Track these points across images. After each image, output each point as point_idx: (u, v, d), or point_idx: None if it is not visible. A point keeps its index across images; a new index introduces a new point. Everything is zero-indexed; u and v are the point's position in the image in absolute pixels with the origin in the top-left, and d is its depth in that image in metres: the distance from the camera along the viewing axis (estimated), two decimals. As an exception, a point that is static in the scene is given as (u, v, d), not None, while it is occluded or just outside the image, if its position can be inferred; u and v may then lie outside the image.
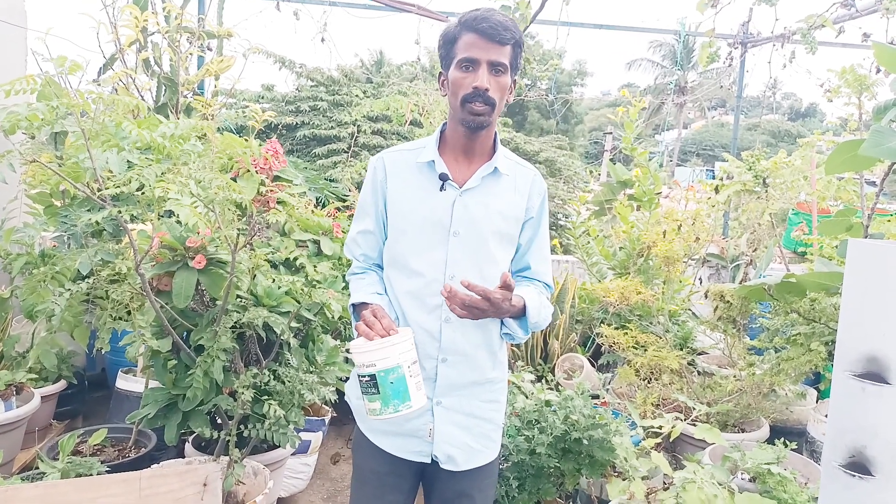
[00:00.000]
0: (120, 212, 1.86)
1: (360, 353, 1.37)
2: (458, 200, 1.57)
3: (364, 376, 1.36)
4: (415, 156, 1.62)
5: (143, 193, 1.89)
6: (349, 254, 1.72)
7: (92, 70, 4.06)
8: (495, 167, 1.60)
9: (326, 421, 3.37)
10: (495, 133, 1.64)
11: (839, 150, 2.38)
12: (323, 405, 3.16)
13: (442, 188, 1.57)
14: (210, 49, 4.29)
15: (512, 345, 3.77)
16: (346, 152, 6.76)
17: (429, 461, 1.61)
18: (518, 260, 1.72)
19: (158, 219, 2.25)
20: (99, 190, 1.92)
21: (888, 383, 1.27)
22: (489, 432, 1.66)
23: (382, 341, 1.35)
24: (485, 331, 1.61)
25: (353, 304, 1.61)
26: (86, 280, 2.06)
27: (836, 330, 2.82)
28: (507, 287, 1.44)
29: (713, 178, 4.77)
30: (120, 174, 1.91)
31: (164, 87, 3.88)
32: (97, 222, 2.31)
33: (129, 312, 2.21)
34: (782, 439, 2.48)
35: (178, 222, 2.38)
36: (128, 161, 2.07)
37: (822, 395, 3.80)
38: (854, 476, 1.31)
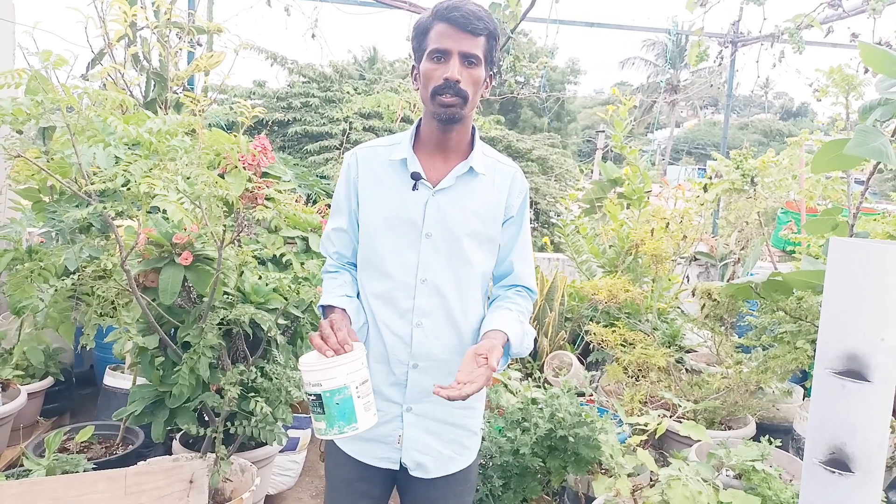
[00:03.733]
0: (105, 208, 1.85)
1: (306, 371, 1.31)
2: (430, 200, 1.51)
3: (310, 395, 1.31)
4: (388, 152, 1.56)
5: (128, 189, 1.88)
6: (324, 251, 1.67)
7: (80, 65, 4.04)
8: (471, 167, 1.53)
9: (315, 418, 3.36)
10: (473, 129, 1.58)
11: (825, 150, 2.40)
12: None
13: (414, 187, 1.51)
14: (200, 44, 4.27)
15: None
16: (337, 149, 6.75)
17: (397, 468, 1.57)
18: (500, 262, 1.65)
19: (146, 215, 2.24)
20: (85, 186, 1.91)
21: (867, 381, 1.29)
22: (462, 438, 1.60)
23: (330, 361, 1.30)
24: (459, 336, 1.55)
25: (322, 306, 1.56)
26: (71, 276, 2.05)
27: (821, 328, 2.84)
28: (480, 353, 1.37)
29: (703, 177, 4.80)
30: (107, 170, 1.90)
31: (153, 83, 3.86)
32: (84, 218, 2.30)
33: (114, 309, 2.20)
34: (768, 437, 2.50)
35: (165, 218, 2.38)
36: (115, 157, 2.06)
37: (809, 392, 3.83)
38: (834, 472, 1.32)
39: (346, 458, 1.60)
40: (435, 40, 1.44)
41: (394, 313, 1.53)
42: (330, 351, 1.31)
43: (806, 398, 3.68)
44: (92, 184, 1.86)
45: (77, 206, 2.47)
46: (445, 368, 1.53)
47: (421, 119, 1.59)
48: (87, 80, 3.76)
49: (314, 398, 1.31)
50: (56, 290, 1.95)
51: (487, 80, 1.52)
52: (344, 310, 1.50)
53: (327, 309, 1.53)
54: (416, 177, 1.51)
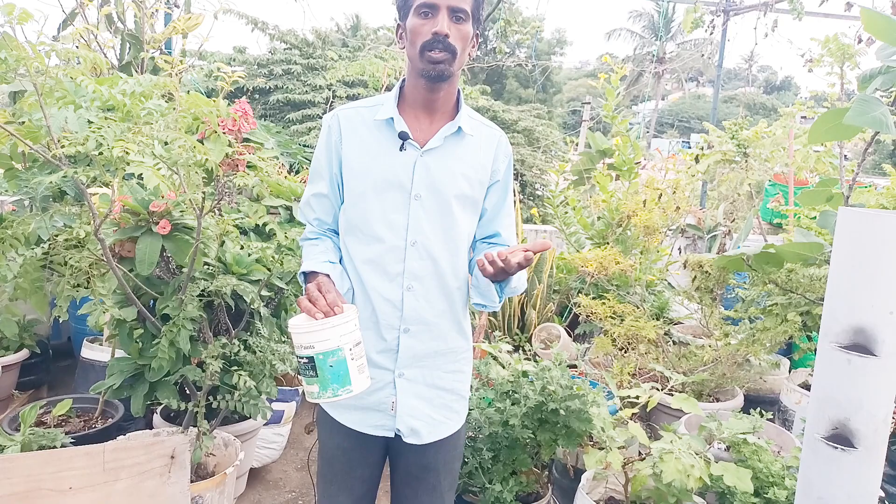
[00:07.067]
0: (76, 173, 1.75)
1: (298, 333, 1.26)
2: (419, 161, 1.47)
3: (302, 358, 1.27)
4: (372, 113, 1.51)
5: (101, 154, 1.77)
6: (302, 218, 1.63)
7: (51, 27, 3.87)
8: (459, 126, 1.50)
9: (300, 391, 3.32)
10: (458, 91, 1.54)
11: (823, 119, 2.34)
12: (296, 375, 3.10)
13: (402, 148, 1.47)
14: (177, 6, 4.10)
15: (489, 314, 3.74)
16: (320, 118, 6.61)
17: (392, 435, 1.55)
18: (485, 226, 1.63)
19: (121, 181, 2.14)
20: (55, 150, 1.80)
21: (874, 355, 1.25)
22: (451, 403, 1.60)
23: (323, 322, 1.25)
24: (449, 298, 1.53)
25: (303, 273, 1.51)
26: (42, 245, 1.95)
27: (812, 301, 2.82)
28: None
29: (689, 149, 4.75)
30: (78, 133, 1.80)
31: (128, 45, 3.70)
32: (56, 185, 2.19)
33: (89, 280, 2.11)
34: (758, 409, 2.49)
35: (141, 185, 2.28)
36: (88, 121, 1.95)
37: (795, 364, 3.85)
38: (837, 448, 1.29)
39: (340, 428, 1.57)
40: None
41: (383, 278, 1.49)
42: (319, 313, 1.27)
43: (792, 370, 3.69)
44: (62, 147, 1.76)
45: (50, 172, 2.36)
46: (436, 331, 1.53)
47: (405, 79, 1.53)
48: (59, 41, 3.59)
49: (306, 361, 1.26)
50: (25, 260, 1.86)
51: (474, 38, 1.49)
52: (328, 275, 1.45)
53: (310, 275, 1.48)
54: (403, 136, 1.47)
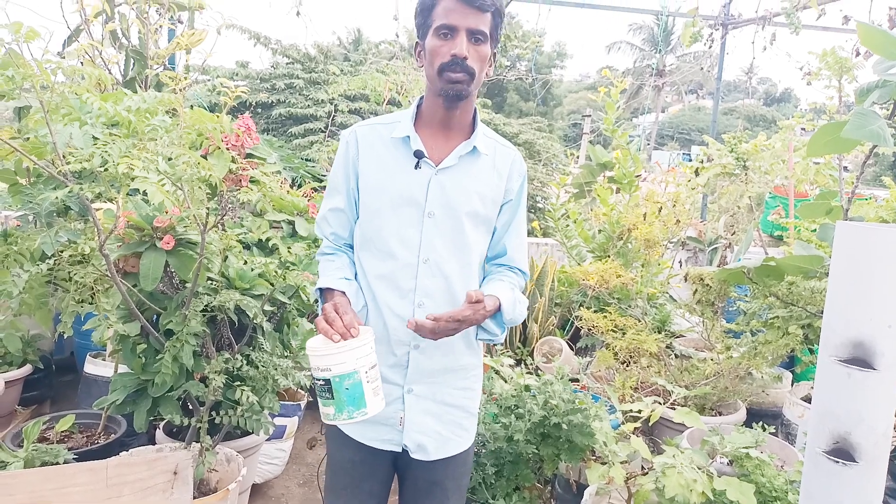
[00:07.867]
0: (82, 189, 1.77)
1: (315, 356, 1.29)
2: (433, 179, 1.50)
3: (319, 380, 1.29)
4: (389, 130, 1.54)
5: (106, 170, 1.79)
6: (319, 232, 1.65)
7: (56, 43, 3.91)
8: (474, 146, 1.52)
9: (302, 406, 3.31)
10: (475, 110, 1.57)
11: (821, 132, 2.36)
12: (299, 390, 3.10)
13: (417, 166, 1.49)
14: (181, 22, 4.15)
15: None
16: (322, 132, 6.64)
17: (399, 450, 1.56)
18: (494, 244, 1.65)
19: (126, 197, 2.15)
20: (61, 166, 1.82)
21: (874, 369, 1.25)
22: (461, 420, 1.60)
23: (340, 345, 1.27)
24: None
25: (319, 289, 1.54)
26: (47, 261, 1.96)
27: (813, 313, 2.82)
28: (476, 302, 1.40)
29: (690, 161, 4.76)
30: (83, 149, 1.81)
31: (132, 61, 3.74)
32: (61, 200, 2.21)
33: (93, 295, 2.12)
34: (760, 423, 2.48)
35: (146, 201, 2.29)
36: (93, 137, 1.97)
37: (797, 378, 3.84)
38: (838, 462, 1.29)
39: (349, 441, 1.58)
40: (442, 16, 1.42)
41: (395, 294, 1.51)
42: (336, 335, 1.29)
43: (795, 383, 3.68)
44: (67, 164, 1.77)
45: (54, 188, 2.38)
46: (446, 348, 1.54)
47: (423, 97, 1.56)
48: (64, 57, 3.63)
49: (323, 383, 1.28)
50: (31, 276, 1.87)
51: (492, 57, 1.51)
52: (344, 293, 1.47)
53: (326, 292, 1.50)
54: (419, 155, 1.49)
